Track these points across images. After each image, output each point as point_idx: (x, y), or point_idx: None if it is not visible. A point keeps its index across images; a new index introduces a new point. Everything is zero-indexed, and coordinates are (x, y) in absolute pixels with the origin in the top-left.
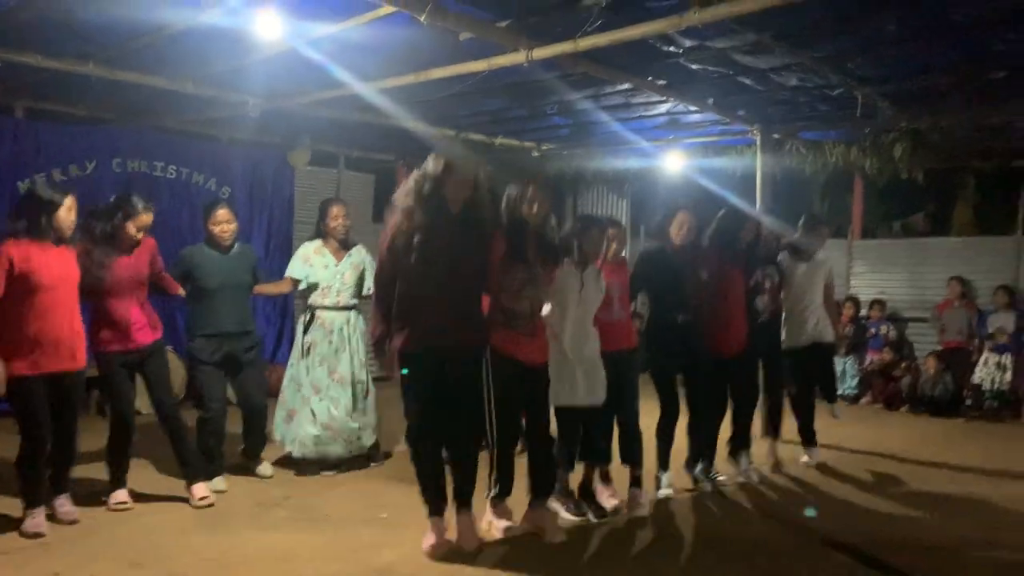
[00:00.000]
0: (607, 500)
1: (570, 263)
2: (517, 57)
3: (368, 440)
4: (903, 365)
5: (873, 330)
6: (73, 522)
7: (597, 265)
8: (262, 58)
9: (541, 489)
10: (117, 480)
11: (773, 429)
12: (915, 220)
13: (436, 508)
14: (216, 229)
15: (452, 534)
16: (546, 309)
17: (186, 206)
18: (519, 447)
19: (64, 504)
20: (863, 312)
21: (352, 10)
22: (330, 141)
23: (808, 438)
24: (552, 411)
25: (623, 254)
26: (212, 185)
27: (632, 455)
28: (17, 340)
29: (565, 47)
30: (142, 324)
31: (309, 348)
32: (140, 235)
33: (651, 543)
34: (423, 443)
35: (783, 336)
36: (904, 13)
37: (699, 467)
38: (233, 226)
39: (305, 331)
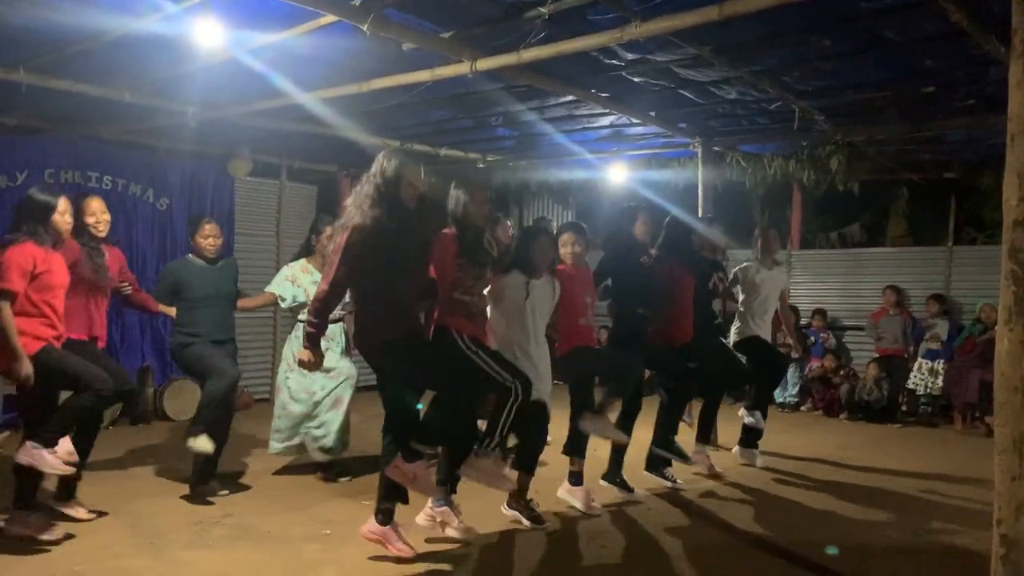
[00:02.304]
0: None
1: (518, 272)
2: (461, 68)
3: (331, 444)
4: (841, 372)
5: (814, 338)
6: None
7: (562, 269)
8: (201, 67)
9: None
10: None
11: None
12: (851, 231)
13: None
14: (204, 242)
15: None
16: (494, 327)
17: (122, 217)
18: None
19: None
20: (804, 321)
21: (294, 19)
22: (272, 151)
23: (760, 404)
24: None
25: (583, 256)
26: (150, 196)
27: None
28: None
29: (509, 59)
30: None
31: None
32: (98, 219)
33: (576, 549)
34: (415, 428)
35: (734, 333)
36: (839, 30)
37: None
38: (220, 240)
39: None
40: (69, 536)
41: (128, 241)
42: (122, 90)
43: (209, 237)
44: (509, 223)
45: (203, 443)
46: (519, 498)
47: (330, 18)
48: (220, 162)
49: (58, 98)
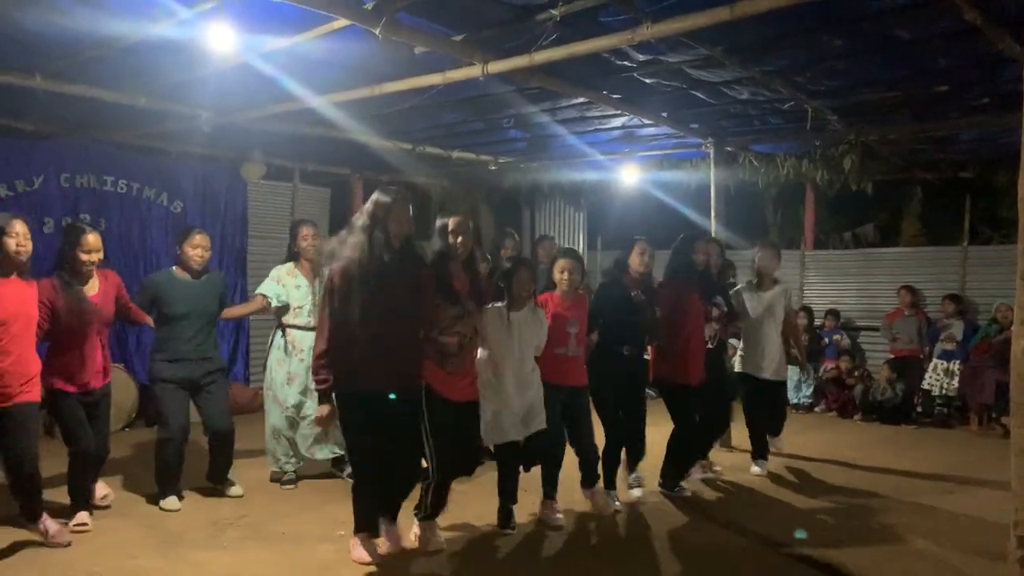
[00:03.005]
0: (553, 516)
1: (500, 304)
2: (473, 71)
3: (321, 454)
4: (856, 373)
5: (827, 339)
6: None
7: (555, 301)
8: (214, 71)
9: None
10: (81, 504)
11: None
12: (865, 231)
13: (371, 531)
14: (192, 252)
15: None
16: (481, 354)
17: (136, 221)
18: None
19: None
20: (817, 322)
21: (306, 23)
22: (285, 155)
23: (759, 451)
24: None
25: (580, 284)
26: (163, 200)
27: (591, 480)
28: None
29: (520, 61)
30: (100, 368)
31: (277, 365)
32: (93, 257)
33: (590, 550)
34: (365, 483)
35: (738, 361)
36: (851, 30)
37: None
38: (208, 253)
39: (279, 348)
40: (84, 531)
41: (142, 244)
42: (136, 95)
43: (198, 248)
44: (515, 240)
45: (171, 503)
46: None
47: (342, 22)
48: (233, 165)
49: (73, 103)
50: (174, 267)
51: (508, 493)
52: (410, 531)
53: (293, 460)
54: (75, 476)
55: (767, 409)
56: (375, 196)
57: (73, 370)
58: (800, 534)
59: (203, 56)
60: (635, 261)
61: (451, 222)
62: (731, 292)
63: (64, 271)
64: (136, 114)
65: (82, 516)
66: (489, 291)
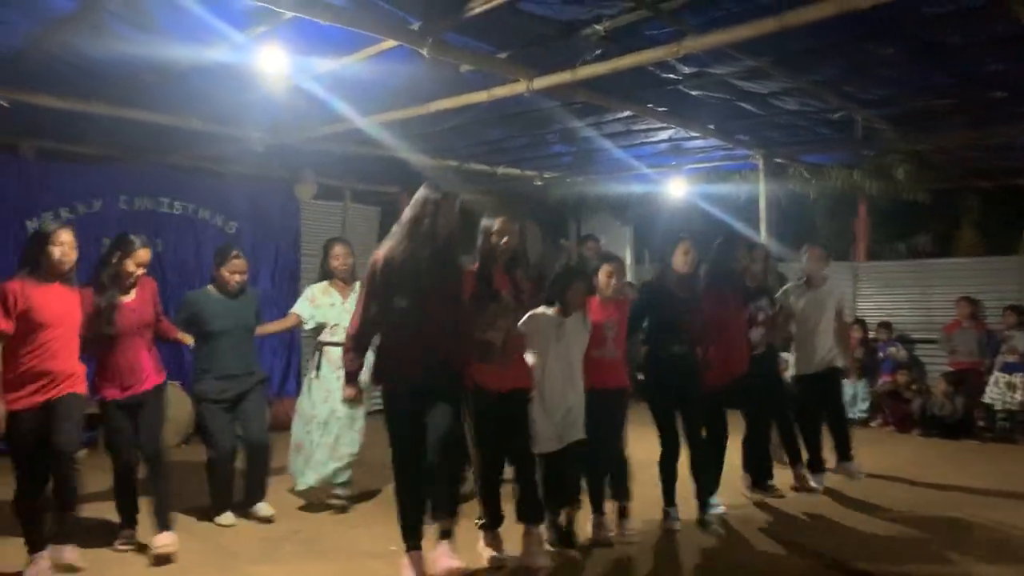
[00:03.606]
0: (600, 533)
1: (552, 310)
2: (517, 87)
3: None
4: (913, 387)
5: (882, 352)
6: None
7: (592, 304)
8: (267, 94)
9: (526, 515)
10: (126, 521)
11: (792, 456)
12: (920, 241)
13: (415, 542)
14: (229, 276)
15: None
16: (529, 359)
17: (192, 241)
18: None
19: (65, 551)
20: (871, 335)
21: (355, 45)
22: (335, 174)
23: (816, 465)
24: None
25: (623, 289)
26: (218, 220)
27: (618, 492)
28: (16, 377)
29: (564, 76)
30: (148, 370)
31: (313, 385)
32: (140, 271)
33: (654, 571)
34: (404, 477)
35: (792, 365)
36: (900, 37)
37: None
38: (245, 276)
39: (317, 368)
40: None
41: (197, 264)
42: (191, 118)
43: (236, 273)
44: (597, 241)
45: (227, 519)
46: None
47: (390, 43)
48: (286, 185)
49: (131, 127)
50: (209, 286)
51: (552, 504)
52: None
53: (323, 472)
54: (119, 491)
55: (823, 408)
56: (422, 192)
57: (117, 375)
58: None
59: (256, 79)
60: (678, 260)
61: (497, 222)
62: (779, 293)
63: (103, 278)
64: (191, 137)
65: (163, 538)
66: (530, 293)
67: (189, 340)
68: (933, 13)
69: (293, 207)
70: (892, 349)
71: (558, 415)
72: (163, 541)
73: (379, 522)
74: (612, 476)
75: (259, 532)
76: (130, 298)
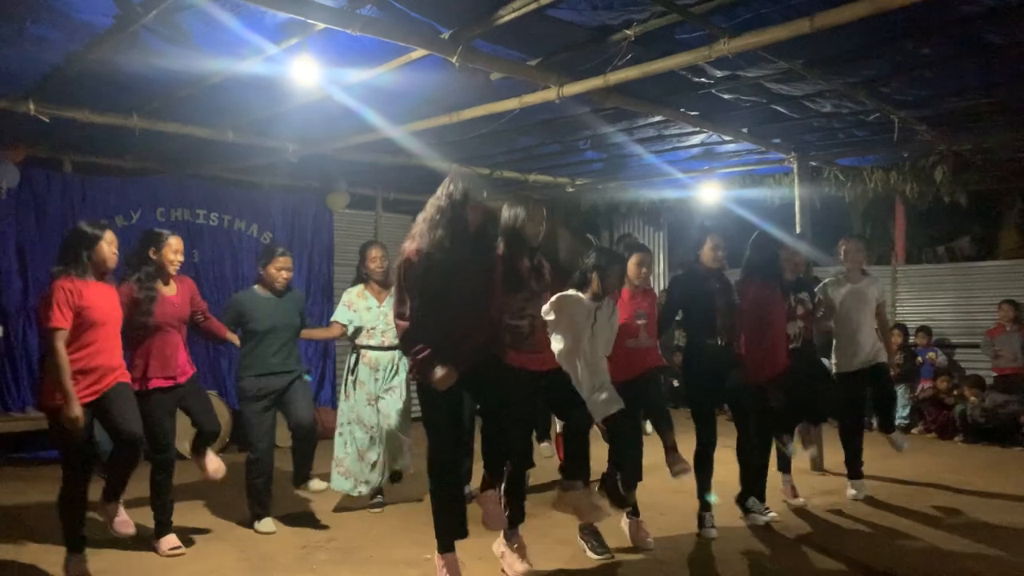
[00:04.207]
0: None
1: (586, 295)
2: (548, 94)
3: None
4: (955, 393)
5: (922, 358)
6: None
7: (621, 296)
8: (299, 105)
9: (570, 472)
10: (162, 525)
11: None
12: (960, 244)
13: (450, 543)
14: (277, 273)
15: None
16: (555, 345)
17: (228, 252)
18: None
19: (118, 512)
20: (911, 339)
21: (385, 55)
22: (367, 184)
23: (855, 471)
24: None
25: (649, 281)
26: (253, 231)
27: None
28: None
29: (595, 82)
30: (184, 363)
31: (356, 386)
32: (178, 257)
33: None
34: (447, 474)
35: (834, 362)
36: (939, 36)
37: (750, 500)
38: (290, 275)
39: (352, 371)
40: (179, 554)
41: (233, 274)
42: (226, 130)
43: (283, 270)
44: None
45: (266, 525)
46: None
47: (420, 52)
48: (319, 196)
49: (168, 140)
50: (255, 286)
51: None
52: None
53: (376, 477)
54: (157, 492)
55: (875, 393)
56: (451, 183)
57: (161, 364)
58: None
59: (288, 90)
60: (707, 256)
61: (521, 209)
62: (818, 287)
63: (144, 272)
64: (226, 149)
65: (171, 540)
66: (554, 280)
67: (237, 340)
68: (972, 11)
69: (326, 217)
70: (932, 354)
71: (596, 393)
72: (173, 543)
73: (414, 530)
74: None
75: (296, 540)
76: (171, 292)
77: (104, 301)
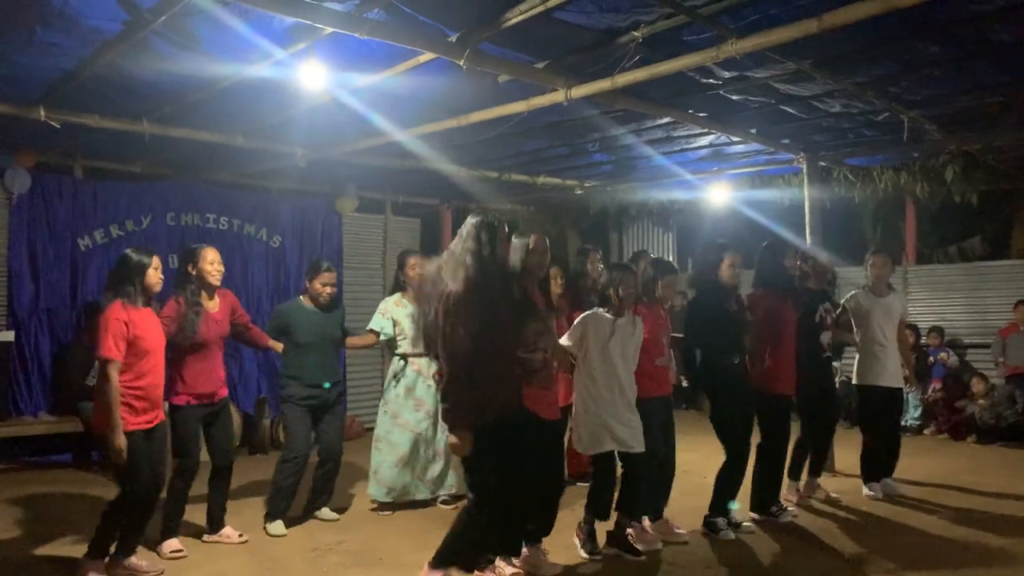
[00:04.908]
0: (655, 540)
1: (605, 310)
2: (556, 96)
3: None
4: (968, 394)
5: (933, 358)
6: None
7: (640, 312)
8: (307, 109)
9: (539, 533)
10: (168, 528)
11: (816, 467)
12: (972, 244)
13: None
14: (322, 288)
15: None
16: (578, 362)
17: (238, 256)
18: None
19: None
20: (922, 340)
21: (393, 59)
22: (376, 188)
23: (874, 472)
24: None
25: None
26: (263, 235)
27: (661, 497)
28: (123, 401)
29: (603, 84)
30: (222, 379)
31: (404, 392)
32: (216, 268)
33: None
34: (494, 508)
35: (855, 372)
36: (948, 35)
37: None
38: (335, 289)
39: (396, 379)
40: (180, 557)
41: (244, 278)
42: (236, 135)
43: (327, 285)
44: (599, 255)
45: (277, 528)
46: (617, 535)
47: (427, 56)
48: (328, 199)
49: (177, 145)
50: (300, 297)
51: (599, 509)
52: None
53: (421, 486)
54: (174, 496)
55: (887, 422)
56: (479, 220)
57: (201, 382)
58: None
59: (296, 95)
60: (726, 273)
61: (532, 240)
62: (848, 296)
63: (189, 289)
64: (236, 153)
65: (173, 543)
66: (564, 310)
67: (279, 347)
68: (981, 10)
69: (335, 221)
70: (943, 355)
71: (614, 415)
72: (230, 533)
73: (424, 532)
74: (660, 480)
75: (306, 543)
76: (215, 308)
77: (152, 328)
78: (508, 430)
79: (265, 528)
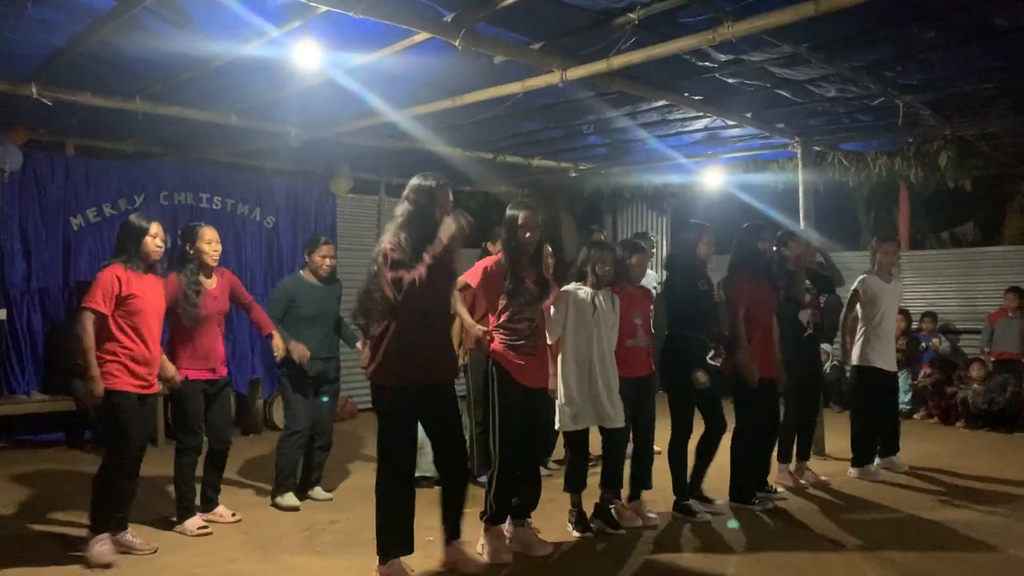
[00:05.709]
0: (633, 518)
1: (585, 286)
2: (551, 78)
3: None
4: (963, 377)
5: (924, 344)
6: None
7: (617, 291)
8: (301, 88)
9: (524, 508)
10: (186, 509)
11: (803, 450)
12: (964, 230)
13: (397, 552)
14: (321, 261)
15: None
16: (551, 339)
17: (231, 236)
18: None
19: (126, 537)
20: (914, 325)
21: (388, 38)
22: (370, 168)
23: (868, 455)
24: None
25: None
26: (257, 215)
27: (643, 480)
28: (120, 364)
29: (599, 66)
30: (222, 356)
31: None
32: (214, 246)
33: (675, 556)
34: (403, 483)
35: (856, 354)
36: (943, 20)
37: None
38: (335, 261)
39: None
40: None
41: (237, 258)
42: (229, 114)
43: (327, 257)
44: (603, 234)
45: (289, 499)
46: (602, 508)
47: (423, 36)
48: (322, 180)
49: (170, 124)
50: (301, 272)
51: (574, 482)
52: (477, 542)
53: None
54: (182, 476)
55: (883, 404)
56: (417, 183)
57: (202, 356)
58: (732, 523)
59: (290, 74)
60: (703, 250)
61: (521, 216)
62: (859, 279)
63: (189, 267)
64: (229, 133)
65: (196, 520)
66: (553, 286)
67: (280, 342)
68: None
69: (329, 201)
70: (935, 340)
71: (594, 392)
72: (224, 513)
73: (418, 511)
74: (638, 462)
75: (300, 522)
76: (212, 285)
77: (151, 292)
78: (438, 396)
79: (277, 503)
